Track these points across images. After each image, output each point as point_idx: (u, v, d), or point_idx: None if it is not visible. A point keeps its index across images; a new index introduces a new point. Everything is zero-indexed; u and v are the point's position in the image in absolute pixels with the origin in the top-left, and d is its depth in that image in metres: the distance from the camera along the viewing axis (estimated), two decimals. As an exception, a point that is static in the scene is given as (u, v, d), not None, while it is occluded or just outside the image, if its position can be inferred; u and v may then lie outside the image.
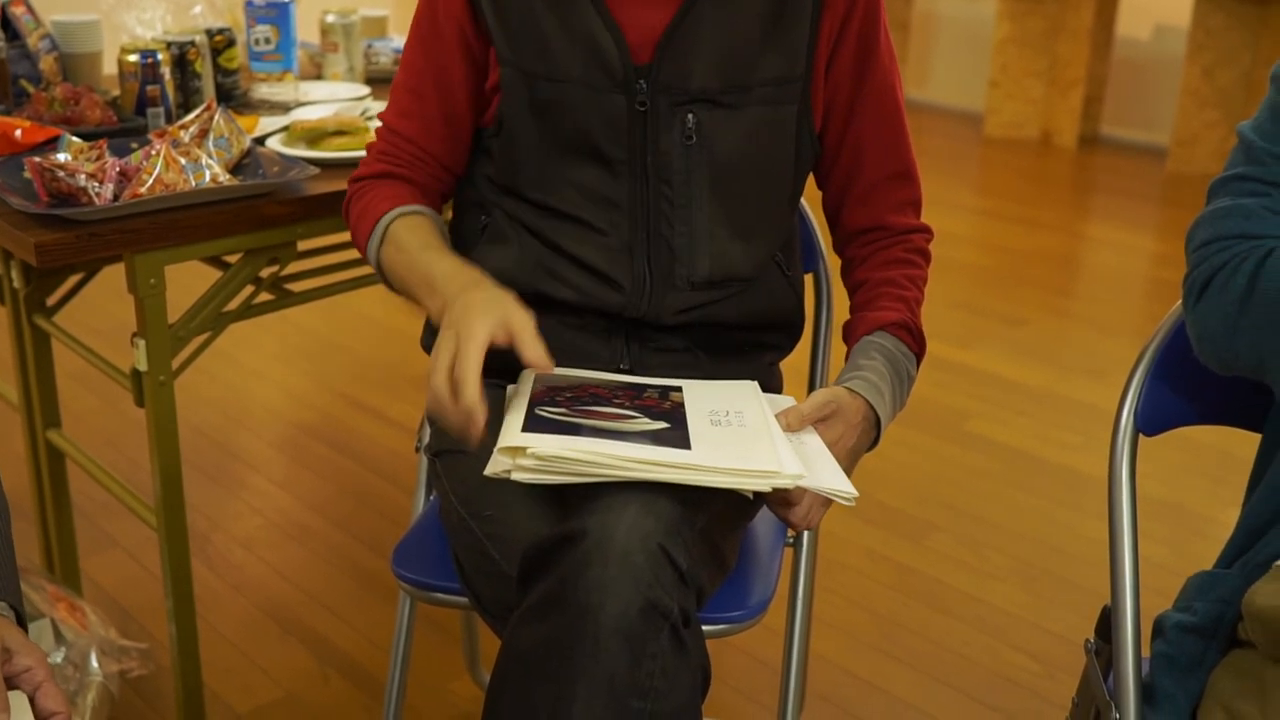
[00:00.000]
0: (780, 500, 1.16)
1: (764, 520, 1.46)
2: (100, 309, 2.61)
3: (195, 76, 1.91)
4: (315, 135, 1.78)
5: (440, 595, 1.33)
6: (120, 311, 1.85)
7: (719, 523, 1.20)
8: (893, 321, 1.33)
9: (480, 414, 1.08)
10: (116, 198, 1.48)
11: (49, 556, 2.07)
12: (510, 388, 1.23)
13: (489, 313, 1.12)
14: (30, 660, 0.92)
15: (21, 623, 0.98)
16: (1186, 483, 2.65)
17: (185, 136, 1.62)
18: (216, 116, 1.65)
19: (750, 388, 1.28)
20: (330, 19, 2.19)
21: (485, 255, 1.35)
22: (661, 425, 1.13)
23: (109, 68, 1.96)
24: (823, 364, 1.59)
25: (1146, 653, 1.11)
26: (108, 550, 2.32)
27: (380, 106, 1.91)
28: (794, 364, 1.50)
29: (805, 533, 1.46)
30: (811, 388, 1.58)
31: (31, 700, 0.91)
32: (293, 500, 2.55)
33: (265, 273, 1.68)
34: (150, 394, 1.58)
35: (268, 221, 1.59)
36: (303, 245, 1.68)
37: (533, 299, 1.33)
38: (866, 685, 2.00)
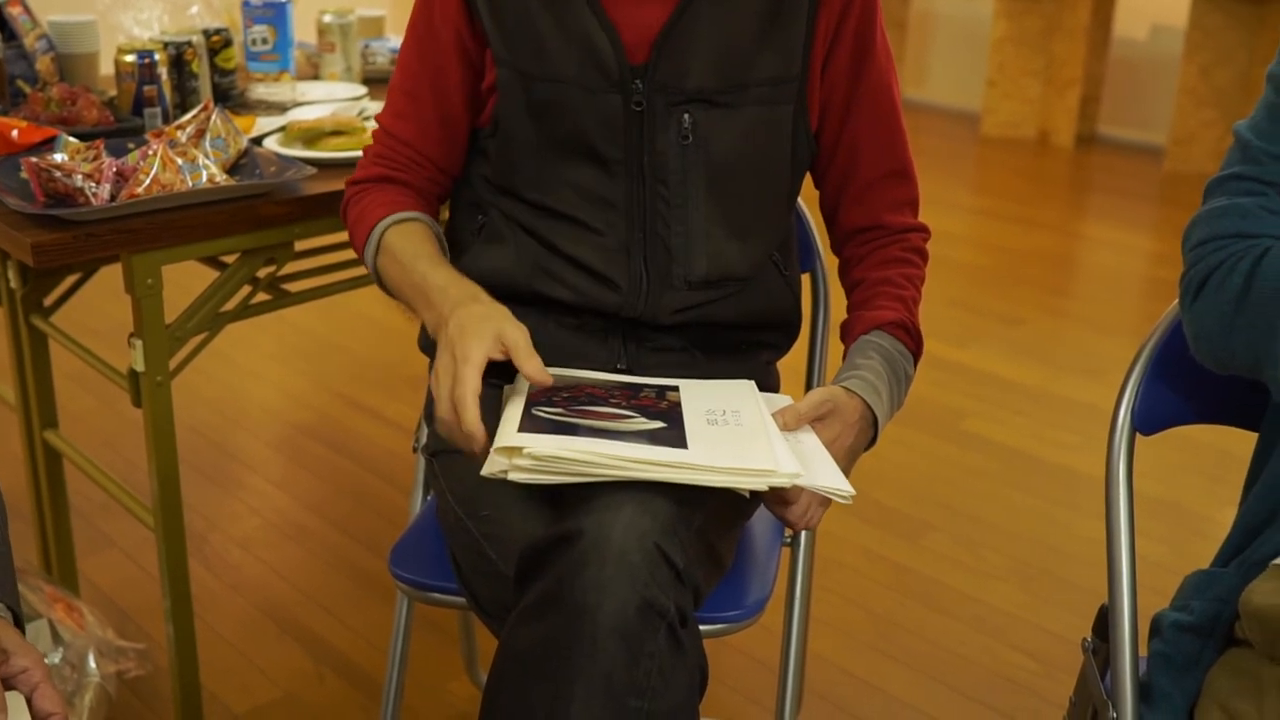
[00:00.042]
0: (778, 499, 1.16)
1: (761, 520, 1.46)
2: (97, 309, 2.61)
3: (192, 77, 1.91)
4: (312, 135, 1.78)
5: (438, 595, 1.33)
6: (117, 312, 1.85)
7: (715, 522, 1.20)
8: (890, 321, 1.33)
9: (480, 437, 1.10)
10: (113, 198, 1.48)
11: (46, 557, 2.07)
12: (507, 388, 1.23)
13: (484, 334, 1.13)
14: (27, 661, 0.92)
15: (19, 623, 0.98)
16: (1184, 482, 2.65)
17: (182, 137, 1.62)
18: (213, 117, 1.65)
19: (747, 387, 1.28)
20: (327, 19, 2.19)
21: (482, 255, 1.36)
22: (658, 425, 1.13)
23: (106, 68, 1.96)
24: (820, 363, 1.59)
25: (1144, 652, 1.11)
26: (105, 551, 2.32)
27: (377, 107, 1.91)
28: (791, 364, 1.50)
29: (803, 532, 1.46)
30: (809, 387, 1.57)
31: (28, 701, 0.91)
32: (290, 500, 2.55)
33: (262, 273, 1.68)
34: (147, 394, 1.58)
35: (265, 221, 1.59)
36: (300, 245, 1.68)
37: (530, 299, 1.33)
38: (864, 684, 2.00)
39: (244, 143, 1.69)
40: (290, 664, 2.02)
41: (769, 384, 1.43)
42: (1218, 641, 1.04)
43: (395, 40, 2.35)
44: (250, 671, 2.00)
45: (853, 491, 1.12)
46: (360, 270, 1.83)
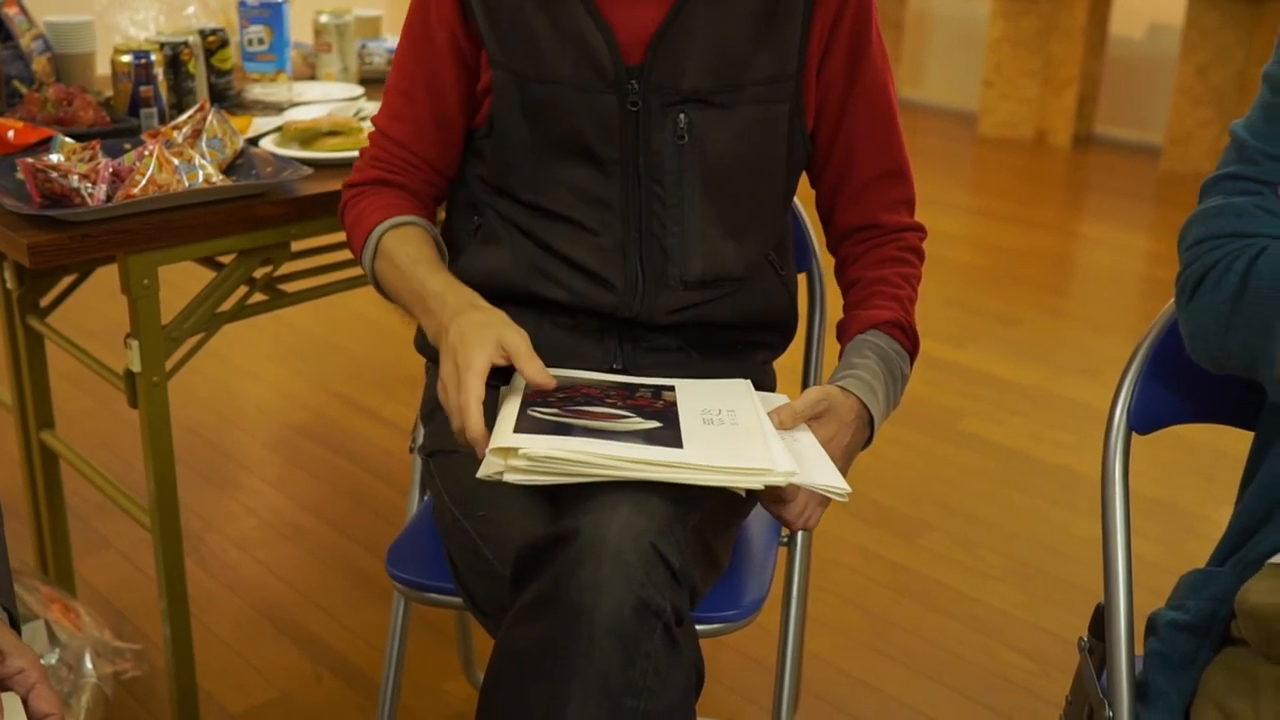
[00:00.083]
0: (774, 498, 1.16)
1: (758, 519, 1.46)
2: (94, 310, 2.60)
3: (188, 77, 1.91)
4: (309, 136, 1.78)
5: (434, 595, 1.33)
6: (114, 312, 1.85)
7: (711, 522, 1.20)
8: (886, 320, 1.33)
9: (483, 444, 1.10)
10: (110, 198, 1.48)
11: (43, 558, 2.06)
12: (503, 388, 1.23)
13: (485, 340, 1.14)
14: (23, 662, 0.92)
15: (15, 624, 0.98)
16: (1180, 481, 2.65)
17: (178, 137, 1.62)
18: (210, 117, 1.65)
19: (743, 386, 1.28)
20: (324, 19, 2.19)
21: (478, 255, 1.36)
22: (654, 424, 1.13)
23: (102, 68, 1.96)
24: (816, 363, 1.59)
25: (1140, 651, 1.11)
26: (101, 551, 2.32)
27: (374, 107, 1.91)
28: (787, 363, 1.50)
29: (799, 532, 1.46)
30: (805, 387, 1.57)
31: (25, 702, 0.91)
32: (287, 500, 2.55)
33: (259, 273, 1.68)
34: (144, 395, 1.58)
35: (261, 222, 1.59)
36: (296, 245, 1.68)
37: (525, 299, 1.33)
38: (861, 684, 2.00)
39: (240, 143, 1.69)
40: (287, 664, 2.02)
41: (765, 384, 1.43)
42: (1214, 640, 1.04)
43: (392, 40, 2.34)
44: (247, 672, 2.00)
45: (849, 489, 1.12)
46: (357, 270, 1.83)
